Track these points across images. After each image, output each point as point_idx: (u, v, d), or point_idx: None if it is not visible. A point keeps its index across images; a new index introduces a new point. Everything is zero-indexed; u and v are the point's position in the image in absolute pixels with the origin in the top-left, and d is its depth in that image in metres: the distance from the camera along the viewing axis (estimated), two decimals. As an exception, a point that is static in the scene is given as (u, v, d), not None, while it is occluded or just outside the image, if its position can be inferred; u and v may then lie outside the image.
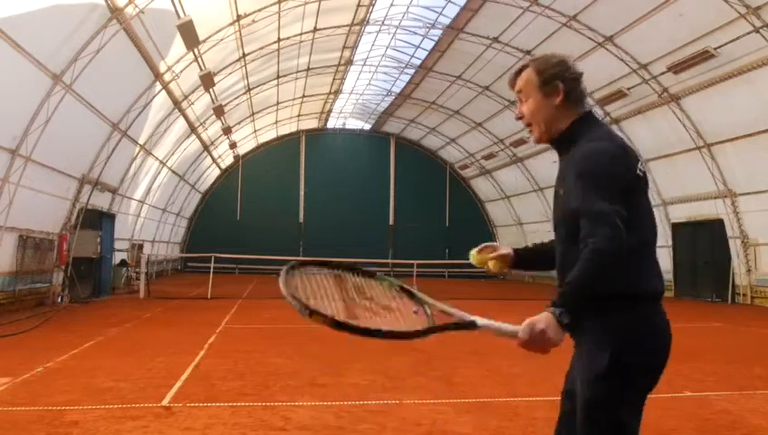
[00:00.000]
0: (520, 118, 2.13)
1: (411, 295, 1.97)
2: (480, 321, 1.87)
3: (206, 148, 26.27)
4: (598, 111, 20.63)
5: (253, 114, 26.85)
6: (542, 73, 2.06)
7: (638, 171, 1.94)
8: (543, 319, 1.74)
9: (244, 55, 19.20)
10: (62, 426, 4.39)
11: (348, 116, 34.47)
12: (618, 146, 1.95)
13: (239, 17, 16.24)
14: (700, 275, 19.22)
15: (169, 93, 17.35)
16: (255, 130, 30.61)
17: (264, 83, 23.40)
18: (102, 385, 5.71)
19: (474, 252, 2.32)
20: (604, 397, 1.80)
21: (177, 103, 18.43)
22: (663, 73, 16.91)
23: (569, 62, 2.09)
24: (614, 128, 20.61)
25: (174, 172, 24.20)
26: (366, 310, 1.86)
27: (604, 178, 1.85)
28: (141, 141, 18.01)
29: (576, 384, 1.92)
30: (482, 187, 34.01)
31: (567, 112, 2.05)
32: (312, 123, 33.97)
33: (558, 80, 2.04)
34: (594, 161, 1.89)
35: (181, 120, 20.28)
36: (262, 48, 19.37)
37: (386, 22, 21.60)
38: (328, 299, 1.81)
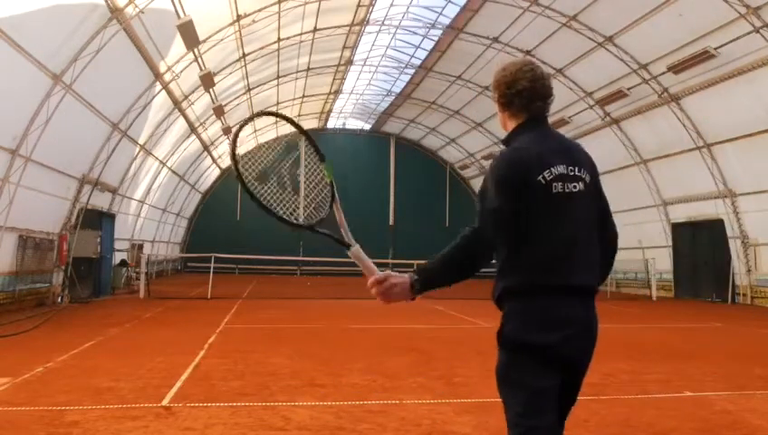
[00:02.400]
0: None
1: (333, 196, 2.19)
2: (354, 249, 2.09)
3: (206, 148, 26.27)
4: (598, 111, 20.65)
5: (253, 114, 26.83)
6: (493, 85, 2.27)
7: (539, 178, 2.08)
8: (401, 279, 2.04)
9: (244, 55, 19.20)
10: (62, 426, 4.39)
11: (348, 116, 34.49)
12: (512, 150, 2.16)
13: (239, 17, 16.24)
14: (700, 275, 19.22)
15: (169, 93, 17.35)
16: (255, 130, 30.60)
17: (264, 83, 23.40)
18: (102, 385, 5.71)
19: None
20: (499, 367, 2.28)
21: (177, 103, 18.43)
22: (663, 73, 16.91)
23: (509, 71, 2.20)
24: (614, 128, 20.64)
25: (174, 172, 24.20)
26: (283, 187, 2.16)
27: (487, 186, 2.10)
28: (141, 141, 18.00)
29: None
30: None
31: (511, 121, 2.25)
32: (312, 123, 33.97)
33: (496, 90, 2.24)
34: (490, 168, 2.13)
35: (181, 120, 20.28)
36: (262, 48, 19.37)
37: (386, 22, 21.60)
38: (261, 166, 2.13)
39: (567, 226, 2.10)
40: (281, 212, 2.12)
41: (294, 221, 2.08)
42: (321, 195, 2.09)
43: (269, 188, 1.99)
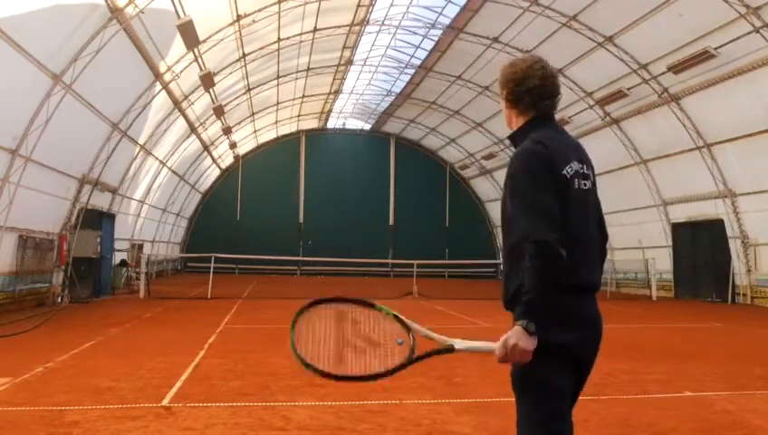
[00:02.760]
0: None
1: (401, 323, 2.18)
2: (459, 344, 2.04)
3: (206, 148, 26.27)
4: (598, 111, 20.65)
5: (253, 114, 26.85)
6: (501, 80, 2.28)
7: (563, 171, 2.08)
8: (514, 334, 1.91)
9: (244, 55, 19.20)
10: (62, 426, 4.39)
11: (348, 116, 34.49)
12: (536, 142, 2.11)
13: (239, 17, 16.24)
14: (700, 275, 19.22)
15: (169, 93, 17.35)
16: (255, 131, 30.62)
17: (264, 83, 23.40)
18: (102, 385, 5.71)
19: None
20: (517, 366, 2.08)
21: (177, 103, 18.43)
22: (663, 73, 16.91)
23: (519, 68, 2.21)
24: (614, 128, 20.64)
25: (174, 172, 24.20)
26: (354, 349, 2.18)
27: (525, 182, 2.04)
28: (141, 141, 18.00)
29: None
30: (482, 187, 34.03)
31: (519, 117, 2.24)
32: (312, 123, 33.97)
33: (505, 87, 2.25)
34: (520, 163, 2.06)
35: (181, 120, 20.28)
36: (262, 48, 19.38)
37: (386, 22, 21.60)
38: (324, 342, 2.15)
39: (587, 223, 2.11)
40: (382, 370, 2.23)
41: (394, 366, 2.18)
42: (395, 331, 2.14)
43: (351, 359, 2.10)
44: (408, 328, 2.11)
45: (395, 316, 2.15)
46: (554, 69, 2.24)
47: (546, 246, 1.90)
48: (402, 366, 2.10)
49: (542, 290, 1.89)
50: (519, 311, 1.92)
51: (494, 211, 33.77)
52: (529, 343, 1.88)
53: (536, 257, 1.90)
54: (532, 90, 2.17)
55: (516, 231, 2.01)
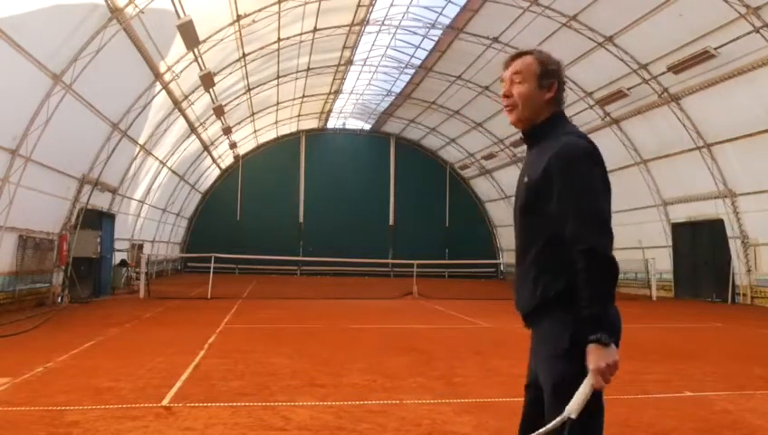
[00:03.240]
0: (507, 96, 2.18)
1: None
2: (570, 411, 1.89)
3: (206, 148, 26.27)
4: (598, 111, 20.65)
5: (253, 114, 26.85)
6: (544, 66, 2.16)
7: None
8: (594, 356, 1.84)
9: (244, 55, 19.20)
10: (62, 426, 4.39)
11: (348, 116, 34.49)
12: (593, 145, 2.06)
13: (239, 17, 16.24)
14: (700, 275, 19.22)
15: (169, 93, 17.35)
16: (255, 131, 30.62)
17: (264, 83, 23.40)
18: (102, 385, 5.71)
19: None
20: (569, 373, 1.92)
21: (177, 103, 18.43)
22: (663, 73, 16.91)
23: (563, 67, 2.23)
24: (614, 128, 20.66)
25: (174, 172, 24.21)
26: None
27: (592, 184, 1.95)
28: (141, 141, 18.01)
29: (539, 371, 2.07)
30: (482, 187, 34.03)
31: (548, 108, 2.16)
32: (312, 123, 33.97)
33: (555, 78, 2.17)
34: (583, 163, 1.97)
35: (181, 120, 20.28)
36: (262, 48, 19.38)
37: (386, 22, 21.60)
38: None
39: None
40: None
41: None
42: None
43: None
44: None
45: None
46: None
47: (614, 264, 1.88)
48: None
49: (608, 306, 1.87)
50: (587, 325, 1.85)
51: (494, 211, 33.77)
52: (613, 355, 1.84)
53: (603, 274, 1.86)
54: (564, 85, 2.24)
55: (578, 235, 1.89)
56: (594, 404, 1.88)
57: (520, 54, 2.21)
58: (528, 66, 2.15)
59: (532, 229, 2.06)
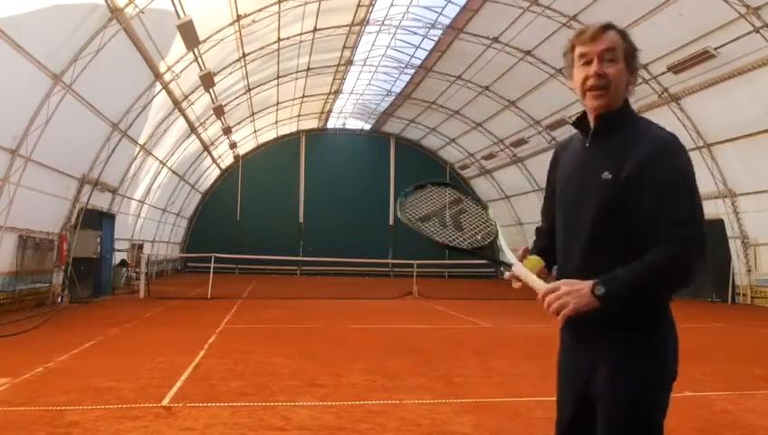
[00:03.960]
0: (600, 76, 1.85)
1: (496, 233, 2.06)
2: (515, 266, 1.90)
3: (206, 148, 26.27)
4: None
5: (253, 114, 26.85)
6: (630, 44, 1.92)
7: None
8: (577, 283, 1.70)
9: (244, 55, 19.20)
10: (62, 426, 4.39)
11: (348, 116, 34.49)
12: None
13: (239, 17, 16.24)
14: (700, 275, 19.10)
15: (169, 93, 17.35)
16: (255, 131, 30.63)
17: (264, 83, 23.40)
18: (102, 385, 5.71)
19: (530, 258, 1.97)
20: (651, 401, 1.81)
21: (177, 103, 18.43)
22: (663, 73, 16.91)
23: None
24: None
25: (174, 172, 24.21)
26: (443, 226, 2.11)
27: (694, 182, 1.77)
28: (141, 141, 18.01)
29: (600, 389, 1.82)
30: (482, 187, 34.02)
31: (626, 93, 1.94)
32: (312, 123, 33.98)
33: (637, 59, 1.94)
34: (683, 159, 1.77)
35: (181, 120, 20.28)
36: (262, 48, 19.38)
37: (386, 22, 21.60)
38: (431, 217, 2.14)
39: None
40: (440, 238, 2.08)
41: (456, 245, 2.04)
42: (484, 232, 2.06)
43: (431, 225, 2.10)
44: (496, 236, 2.04)
45: (495, 223, 2.08)
46: None
47: (689, 278, 1.80)
48: (464, 250, 2.04)
49: (642, 293, 1.75)
50: (611, 278, 1.69)
51: (495, 211, 33.45)
52: (581, 299, 1.67)
53: (673, 277, 1.79)
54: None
55: (675, 236, 1.70)
56: (660, 403, 1.82)
57: (605, 28, 1.92)
58: (618, 43, 1.89)
59: (614, 229, 1.80)
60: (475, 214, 2.13)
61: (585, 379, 1.86)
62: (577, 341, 1.92)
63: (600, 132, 1.91)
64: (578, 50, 1.92)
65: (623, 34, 1.91)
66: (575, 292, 1.68)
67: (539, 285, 1.77)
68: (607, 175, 1.81)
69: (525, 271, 1.85)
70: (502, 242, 2.01)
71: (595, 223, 1.83)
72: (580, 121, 1.97)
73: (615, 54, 1.87)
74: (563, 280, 1.73)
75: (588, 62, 1.88)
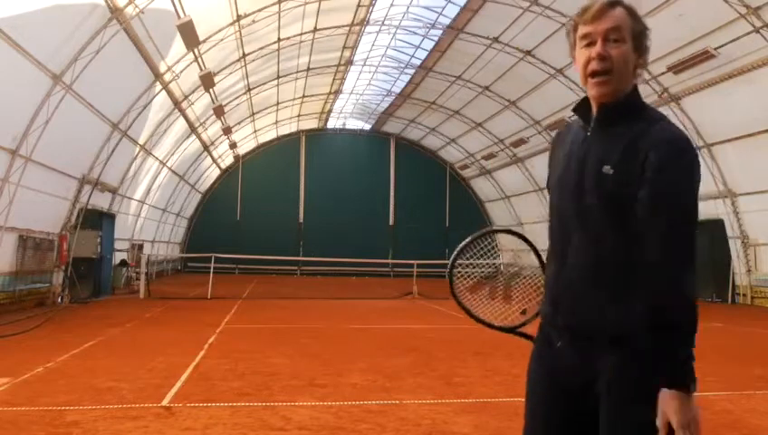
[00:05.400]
0: (603, 58, 1.68)
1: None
2: None
3: (206, 148, 26.28)
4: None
5: (253, 114, 26.86)
6: (637, 22, 1.71)
7: None
8: (677, 406, 1.49)
9: (245, 55, 19.20)
10: (62, 426, 4.39)
11: (348, 116, 34.49)
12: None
13: (239, 17, 16.24)
14: (700, 275, 19.00)
15: (169, 93, 17.35)
16: (255, 131, 30.63)
17: (264, 83, 23.40)
18: (102, 385, 5.71)
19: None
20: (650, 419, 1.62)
21: (177, 103, 18.43)
22: (663, 73, 16.90)
23: None
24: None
25: (174, 172, 24.21)
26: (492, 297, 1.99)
27: (695, 193, 1.60)
28: (141, 141, 18.01)
29: (607, 393, 1.65)
30: (482, 187, 34.03)
31: (634, 78, 1.76)
32: (312, 123, 33.98)
33: (647, 39, 1.73)
34: (689, 166, 1.61)
35: (181, 120, 20.28)
36: (262, 48, 19.38)
37: (386, 22, 21.60)
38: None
39: None
40: (481, 316, 1.95)
41: (494, 324, 1.92)
42: (533, 300, 1.91)
43: (478, 297, 1.98)
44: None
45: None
46: None
47: (695, 307, 1.56)
48: (503, 329, 1.95)
49: (692, 351, 1.53)
50: (679, 370, 1.51)
51: (495, 211, 33.77)
52: (695, 409, 1.50)
53: (689, 315, 1.53)
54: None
55: (662, 260, 1.54)
56: None
57: (612, 4, 1.68)
58: (624, 21, 1.68)
59: (614, 225, 1.65)
60: (529, 278, 1.98)
61: (584, 385, 1.69)
62: (570, 344, 1.72)
63: (604, 122, 1.74)
64: (581, 29, 1.74)
65: (631, 12, 1.70)
66: (687, 422, 1.48)
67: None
68: (608, 169, 1.66)
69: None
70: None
71: (592, 216, 1.68)
72: (582, 107, 1.81)
73: (621, 34, 1.68)
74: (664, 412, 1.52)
75: (591, 43, 1.70)
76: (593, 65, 1.69)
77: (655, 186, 1.58)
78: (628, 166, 1.63)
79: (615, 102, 1.73)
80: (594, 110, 1.77)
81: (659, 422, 1.52)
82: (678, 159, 1.60)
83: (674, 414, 1.48)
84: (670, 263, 1.54)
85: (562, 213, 1.77)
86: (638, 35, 1.70)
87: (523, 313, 1.89)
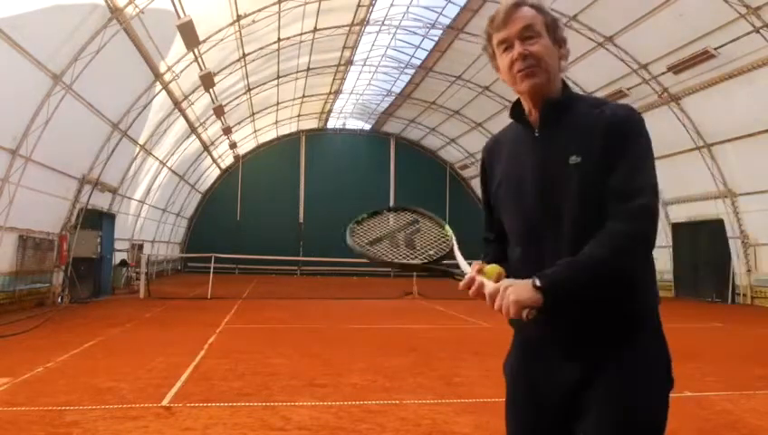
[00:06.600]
0: (524, 57, 1.67)
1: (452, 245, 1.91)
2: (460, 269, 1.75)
3: (206, 148, 26.28)
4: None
5: (253, 114, 26.86)
6: (546, 15, 1.72)
7: None
8: (515, 281, 1.54)
9: (245, 55, 19.20)
10: (62, 426, 4.39)
11: (348, 116, 34.50)
12: None
13: (239, 17, 16.24)
14: (700, 275, 19.22)
15: (169, 93, 17.35)
16: (255, 131, 30.63)
17: (264, 83, 23.41)
18: (102, 385, 5.71)
19: (487, 267, 1.77)
20: (656, 408, 1.71)
21: (177, 103, 18.43)
22: (663, 73, 16.91)
23: None
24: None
25: (174, 172, 24.21)
26: (395, 246, 1.94)
27: (652, 156, 1.64)
28: (141, 141, 18.01)
29: (595, 398, 1.62)
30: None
31: (561, 71, 1.75)
32: (312, 123, 33.98)
33: (561, 30, 1.74)
34: (644, 130, 1.64)
35: (181, 120, 20.28)
36: (262, 48, 19.38)
37: (386, 22, 21.61)
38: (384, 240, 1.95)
39: None
40: (389, 258, 1.89)
41: (405, 261, 1.87)
42: (437, 247, 1.91)
43: (381, 247, 1.93)
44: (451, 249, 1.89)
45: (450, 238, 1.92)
46: None
47: (645, 257, 1.65)
48: (411, 266, 1.91)
49: (592, 278, 1.54)
50: (557, 268, 1.54)
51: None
52: (523, 294, 1.50)
53: (631, 255, 1.57)
54: None
55: (631, 211, 1.56)
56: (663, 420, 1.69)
57: (516, 5, 1.70)
58: (535, 18, 1.69)
59: (592, 214, 1.60)
60: (429, 231, 1.99)
61: (568, 389, 1.64)
62: (552, 344, 1.68)
63: (551, 117, 1.71)
64: (495, 37, 1.72)
65: (537, 7, 1.71)
66: (516, 285, 1.52)
67: (488, 288, 1.61)
68: (575, 159, 1.63)
69: (480, 279, 1.67)
70: (457, 254, 1.86)
71: (568, 214, 1.63)
72: (516, 111, 1.79)
73: (535, 30, 1.68)
74: (503, 281, 1.58)
75: (509, 47, 1.69)
76: (517, 65, 1.68)
77: (625, 158, 1.59)
78: (593, 150, 1.62)
79: (555, 97, 1.72)
80: (533, 110, 1.75)
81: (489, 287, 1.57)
82: (640, 131, 1.63)
83: (506, 283, 1.54)
84: (632, 213, 1.55)
85: (528, 216, 1.72)
86: (551, 28, 1.71)
87: (433, 252, 1.92)
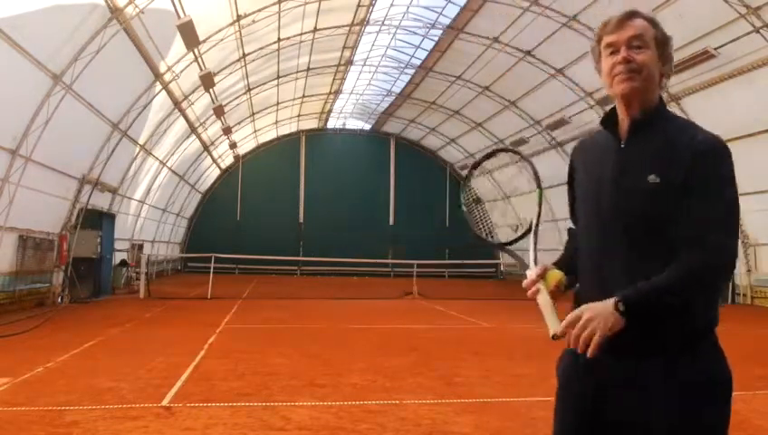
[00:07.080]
0: (628, 61, 1.70)
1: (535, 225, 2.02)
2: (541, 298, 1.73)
3: (206, 148, 26.28)
4: (598, 111, 20.65)
5: (253, 114, 26.86)
6: (659, 30, 1.76)
7: None
8: (597, 304, 1.54)
9: (245, 55, 19.20)
10: (62, 426, 4.39)
11: (348, 116, 34.49)
12: None
13: (239, 17, 16.24)
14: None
15: (169, 93, 17.35)
16: (255, 131, 30.63)
17: (264, 83, 23.41)
18: (102, 385, 5.71)
19: (550, 273, 1.78)
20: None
21: (177, 103, 18.43)
22: (663, 73, 16.91)
23: None
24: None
25: (174, 172, 24.21)
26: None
27: (736, 189, 1.65)
28: (141, 141, 18.01)
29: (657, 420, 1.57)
30: (482, 187, 34.01)
31: (660, 88, 1.79)
32: (312, 123, 33.98)
33: (670, 48, 1.79)
34: (730, 166, 1.67)
35: (181, 120, 20.28)
36: (262, 48, 19.38)
37: (386, 22, 21.60)
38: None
39: None
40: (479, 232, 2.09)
41: (489, 240, 2.08)
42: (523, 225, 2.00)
43: (479, 211, 2.12)
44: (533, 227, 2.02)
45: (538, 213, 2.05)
46: None
47: (721, 282, 1.66)
48: (494, 245, 2.12)
49: (680, 299, 1.55)
50: (638, 291, 1.55)
51: (495, 211, 33.76)
52: (608, 320, 1.51)
53: (712, 278, 1.60)
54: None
55: (721, 244, 1.57)
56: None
57: (631, 15, 1.77)
58: (646, 30, 1.74)
59: (659, 237, 1.63)
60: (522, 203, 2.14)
61: (618, 399, 1.63)
62: (607, 352, 1.57)
63: (640, 132, 1.74)
64: (605, 40, 1.80)
65: (652, 21, 1.77)
66: (598, 315, 1.52)
67: (551, 322, 1.61)
68: (654, 178, 1.64)
69: (539, 286, 1.71)
70: (531, 242, 1.92)
71: (639, 230, 1.65)
72: (608, 120, 1.81)
73: (644, 41, 1.72)
74: (583, 307, 1.57)
75: (615, 51, 1.75)
76: (618, 68, 1.72)
77: (702, 187, 1.61)
78: (673, 174, 1.64)
79: (648, 111, 1.74)
80: (625, 119, 1.77)
81: (571, 315, 1.57)
82: (722, 162, 1.67)
83: (588, 311, 1.54)
84: (709, 247, 1.56)
85: (598, 222, 1.75)
86: (660, 43, 1.75)
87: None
